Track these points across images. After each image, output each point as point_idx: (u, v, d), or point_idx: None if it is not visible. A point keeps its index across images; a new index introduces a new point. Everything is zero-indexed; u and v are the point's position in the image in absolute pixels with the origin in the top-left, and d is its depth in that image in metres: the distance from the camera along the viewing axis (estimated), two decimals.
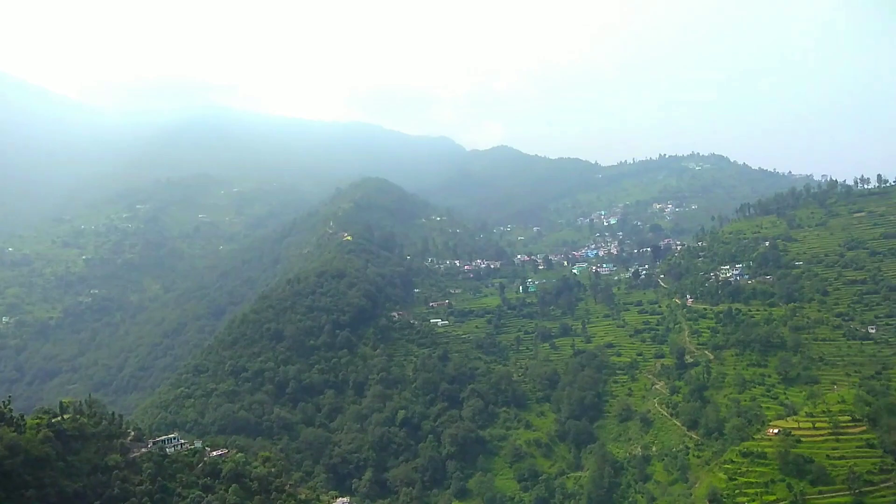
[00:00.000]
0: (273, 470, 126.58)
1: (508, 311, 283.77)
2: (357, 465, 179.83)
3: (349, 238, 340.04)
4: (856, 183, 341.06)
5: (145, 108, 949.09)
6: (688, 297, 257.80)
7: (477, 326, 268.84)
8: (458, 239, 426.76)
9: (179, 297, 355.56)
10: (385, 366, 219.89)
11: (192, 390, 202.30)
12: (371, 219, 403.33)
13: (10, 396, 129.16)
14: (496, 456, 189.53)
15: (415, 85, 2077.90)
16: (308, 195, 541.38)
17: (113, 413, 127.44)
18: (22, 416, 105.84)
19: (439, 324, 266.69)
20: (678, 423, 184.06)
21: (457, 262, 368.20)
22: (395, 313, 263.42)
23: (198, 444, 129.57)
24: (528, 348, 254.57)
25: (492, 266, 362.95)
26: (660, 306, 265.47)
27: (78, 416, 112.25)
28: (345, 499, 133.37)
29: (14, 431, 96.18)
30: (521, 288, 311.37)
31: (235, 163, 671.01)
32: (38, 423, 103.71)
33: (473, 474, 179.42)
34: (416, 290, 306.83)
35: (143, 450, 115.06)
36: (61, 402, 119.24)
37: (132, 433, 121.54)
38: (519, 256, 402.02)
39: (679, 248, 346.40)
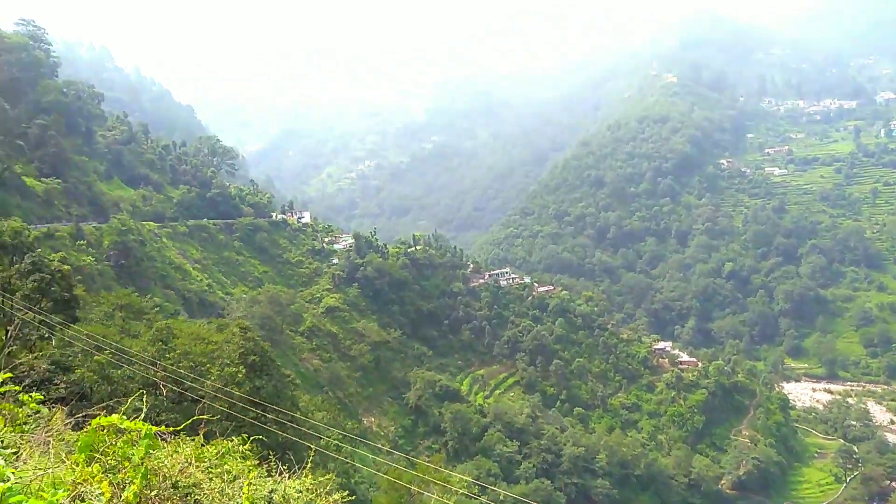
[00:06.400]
0: (596, 309, 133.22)
1: (864, 160, 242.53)
2: (679, 313, 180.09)
3: (674, 79, 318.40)
4: None
5: None
6: None
7: (822, 176, 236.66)
8: (802, 75, 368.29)
9: (506, 144, 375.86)
10: (711, 216, 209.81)
11: (519, 231, 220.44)
12: (699, 56, 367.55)
13: (375, 228, 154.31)
14: (839, 318, 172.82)
15: None
16: (630, 34, 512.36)
17: (455, 247, 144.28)
18: (385, 245, 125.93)
19: (776, 172, 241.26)
20: None
21: (800, 103, 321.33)
22: (723, 161, 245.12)
23: (527, 279, 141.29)
24: (887, 202, 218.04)
25: (845, 106, 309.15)
26: None
27: (427, 248, 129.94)
28: (667, 343, 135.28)
29: (380, 257, 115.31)
30: (882, 132, 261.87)
31: (554, 2, 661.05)
32: (397, 252, 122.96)
33: (810, 334, 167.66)
34: (749, 136, 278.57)
35: (481, 281, 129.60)
36: (414, 235, 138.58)
37: (471, 265, 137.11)
38: (883, 94, 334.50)
39: None
